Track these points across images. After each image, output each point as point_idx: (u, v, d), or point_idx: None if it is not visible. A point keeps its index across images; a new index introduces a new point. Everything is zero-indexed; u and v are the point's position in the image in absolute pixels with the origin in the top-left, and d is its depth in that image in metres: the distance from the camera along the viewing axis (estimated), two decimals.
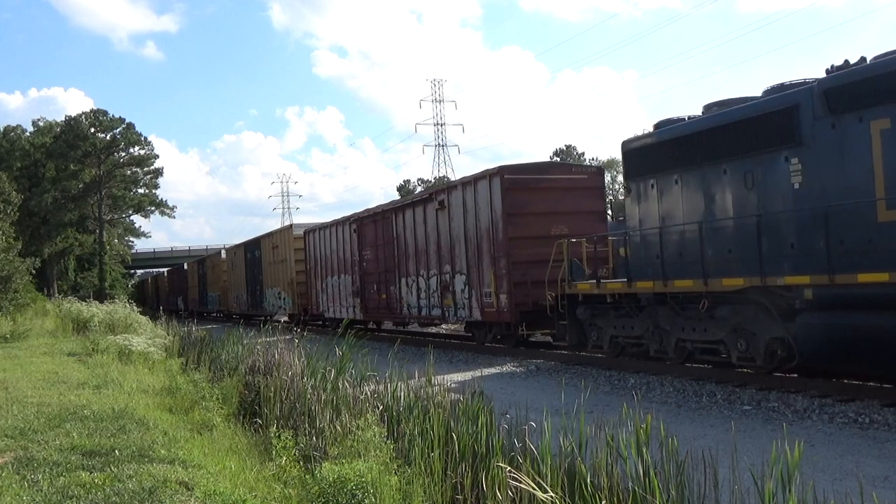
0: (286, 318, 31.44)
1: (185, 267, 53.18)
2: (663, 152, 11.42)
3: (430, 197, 18.14)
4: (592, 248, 13.86)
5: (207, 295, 44.70)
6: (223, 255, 41.28)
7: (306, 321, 26.02)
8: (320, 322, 26.92)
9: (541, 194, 15.31)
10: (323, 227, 25.40)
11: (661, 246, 11.14)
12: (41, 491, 4.98)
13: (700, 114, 11.20)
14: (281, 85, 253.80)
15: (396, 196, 72.97)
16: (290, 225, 28.73)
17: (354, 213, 22.75)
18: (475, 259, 15.98)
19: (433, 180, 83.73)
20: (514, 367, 13.91)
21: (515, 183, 15.19)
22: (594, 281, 12.57)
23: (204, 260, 47.75)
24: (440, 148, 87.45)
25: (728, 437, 7.04)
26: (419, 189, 79.63)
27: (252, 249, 34.15)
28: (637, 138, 12.52)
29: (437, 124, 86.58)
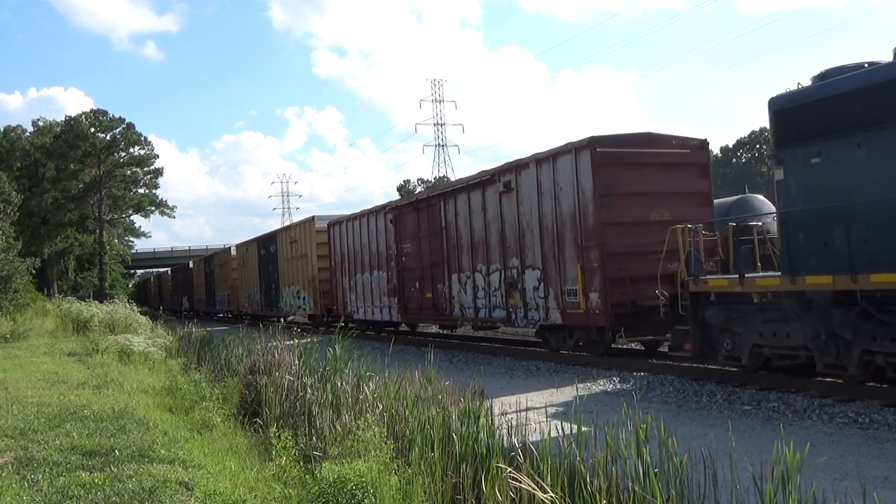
0: (300, 319, 29.81)
1: (191, 265, 51.06)
2: (838, 109, 8.87)
3: (493, 178, 15.07)
4: (709, 237, 11.61)
5: (215, 294, 42.19)
6: (233, 251, 38.40)
7: (329, 322, 24.41)
8: (345, 323, 24.42)
9: (638, 171, 12.73)
10: (351, 219, 22.37)
11: (846, 230, 8.46)
12: (41, 491, 4.99)
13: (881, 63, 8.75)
14: (280, 85, 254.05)
15: (396, 196, 72.96)
16: (312, 217, 25.59)
17: (390, 202, 20.08)
18: (553, 251, 13.37)
19: (433, 180, 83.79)
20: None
21: (609, 157, 12.51)
22: (734, 276, 10.12)
23: (211, 257, 45.01)
24: (440, 148, 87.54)
25: (728, 437, 7.04)
26: (419, 189, 79.53)
27: (266, 245, 31.56)
28: (792, 95, 9.51)
29: (437, 124, 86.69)
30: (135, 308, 25.05)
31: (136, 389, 9.76)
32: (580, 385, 10.80)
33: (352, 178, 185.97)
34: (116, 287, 68.15)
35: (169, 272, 61.83)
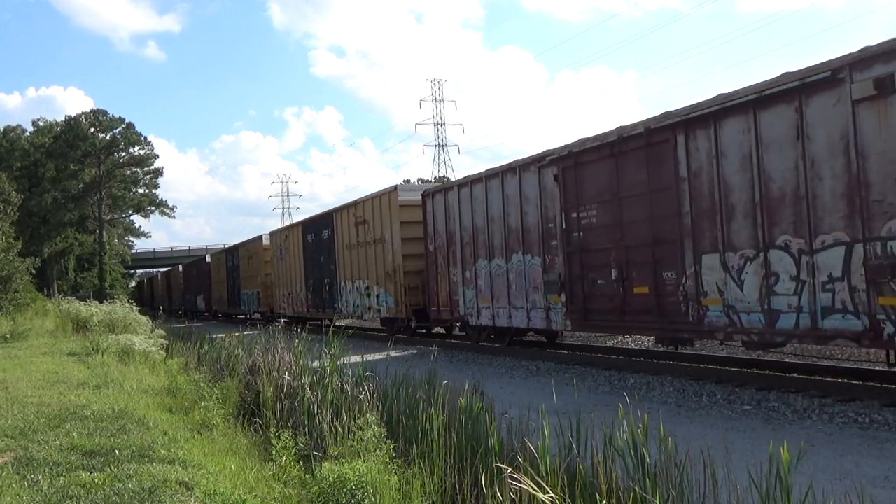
0: (367, 324, 24.83)
1: (208, 259, 44.00)
2: None
3: (834, 73, 7.94)
4: None
5: (240, 293, 35.12)
6: (265, 240, 31.60)
7: (417, 329, 19.17)
8: (446, 330, 19.85)
9: None
10: (468, 183, 15.50)
11: None
12: (41, 491, 4.99)
13: None
14: (279, 85, 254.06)
15: None
16: (395, 187, 19.10)
17: (549, 150, 12.89)
18: None
19: (433, 180, 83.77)
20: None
21: None
22: None
23: (236, 248, 36.84)
24: (440, 148, 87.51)
25: (728, 437, 7.05)
26: None
27: (316, 229, 24.94)
28: None
29: (437, 124, 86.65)
30: (135, 308, 25.01)
31: (136, 389, 9.76)
32: (580, 385, 10.80)
33: (351, 178, 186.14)
34: (116, 287, 68.19)
35: (180, 268, 54.86)
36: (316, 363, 8.74)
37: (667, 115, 10.23)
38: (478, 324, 15.37)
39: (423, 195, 17.54)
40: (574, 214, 12.19)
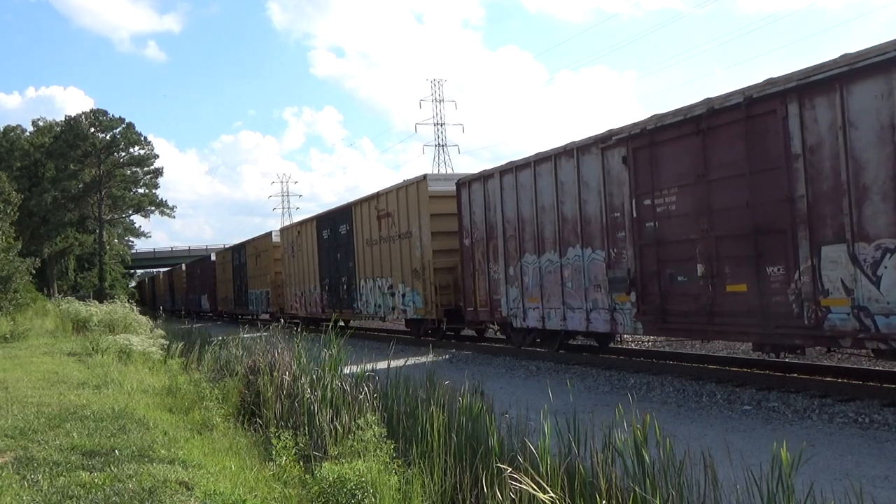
0: (390, 325, 24.15)
1: (213, 257, 42.78)
2: None
3: None
4: None
5: (248, 293, 33.70)
6: (275, 237, 30.14)
7: (446, 331, 17.80)
8: (477, 332, 18.26)
9: None
10: (512, 170, 13.80)
11: None
12: (41, 491, 4.99)
13: None
14: (279, 85, 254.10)
15: None
16: (424, 177, 17.48)
17: (614, 130, 11.26)
18: None
19: None
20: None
21: None
22: None
23: (243, 246, 35.24)
24: (440, 148, 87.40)
25: (729, 437, 7.05)
26: None
27: (333, 224, 23.33)
28: None
29: (437, 124, 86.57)
30: (135, 308, 25.00)
31: (136, 389, 9.76)
32: (580, 385, 10.81)
33: (351, 178, 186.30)
34: (116, 287, 68.17)
35: (183, 267, 53.55)
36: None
37: (771, 81, 8.71)
38: (523, 326, 13.70)
39: (457, 184, 15.78)
40: (647, 201, 10.55)
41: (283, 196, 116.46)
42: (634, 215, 10.80)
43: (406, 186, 18.14)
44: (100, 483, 5.04)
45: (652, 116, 10.51)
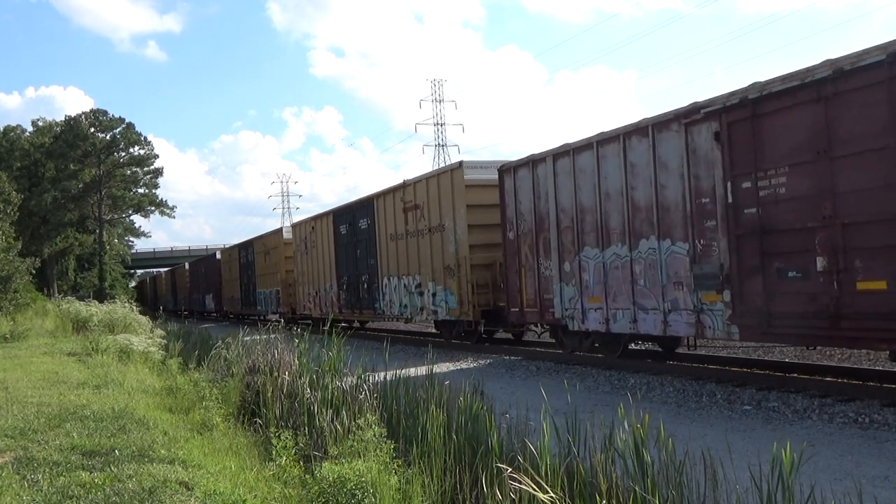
0: (416, 327, 22.92)
1: (218, 255, 41.31)
2: None
3: None
4: None
5: (256, 292, 32.34)
6: (285, 233, 28.71)
7: (482, 334, 16.27)
8: (511, 336, 17.26)
9: None
10: (568, 152, 12.22)
11: None
12: (41, 491, 4.99)
13: None
14: (279, 85, 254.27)
15: None
16: (459, 164, 15.94)
17: (698, 102, 9.77)
18: None
19: None
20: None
21: None
22: None
23: (250, 243, 33.81)
24: (440, 148, 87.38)
25: (729, 437, 7.04)
26: None
27: (351, 218, 21.66)
28: None
29: (437, 124, 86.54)
30: (135, 308, 25.00)
31: (136, 389, 9.76)
32: (580, 385, 10.80)
33: (351, 178, 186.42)
34: (116, 287, 68.20)
35: (187, 266, 51.80)
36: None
37: None
38: (582, 328, 12.22)
39: (500, 171, 14.22)
40: (747, 184, 9.00)
41: (283, 196, 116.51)
42: (730, 200, 9.26)
43: (438, 175, 16.74)
44: (100, 483, 5.05)
45: (753, 84, 9.00)
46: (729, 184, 9.26)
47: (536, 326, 14.54)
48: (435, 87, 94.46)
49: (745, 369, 11.14)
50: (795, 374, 10.48)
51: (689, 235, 9.95)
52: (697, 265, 9.83)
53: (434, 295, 16.79)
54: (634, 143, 10.85)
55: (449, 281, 16.14)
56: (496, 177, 14.38)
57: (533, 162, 13.19)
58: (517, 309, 13.83)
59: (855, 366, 10.95)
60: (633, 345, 13.36)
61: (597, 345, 12.79)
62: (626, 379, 11.35)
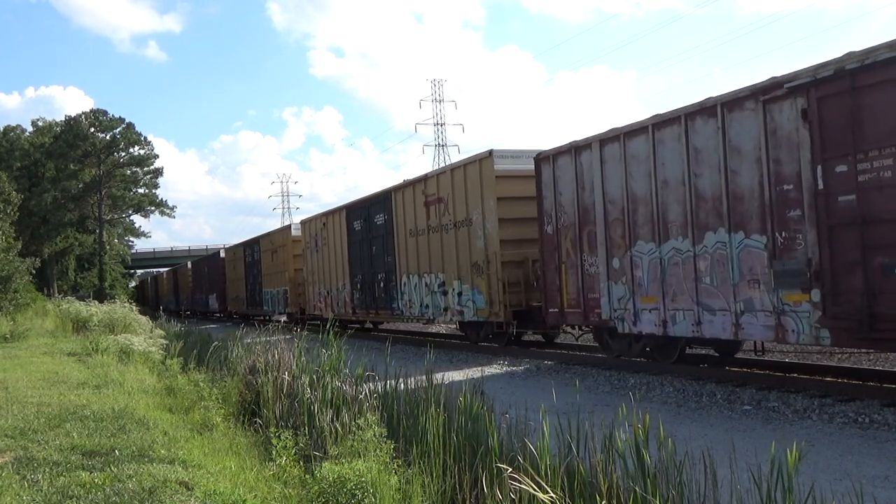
0: (440, 329, 21.89)
1: (222, 254, 40.25)
2: None
3: None
4: None
5: (262, 292, 31.38)
6: (294, 230, 27.53)
7: (511, 336, 15.33)
8: (542, 339, 16.27)
9: None
10: (618, 136, 11.16)
11: None
12: (41, 491, 4.99)
13: None
14: (279, 85, 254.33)
15: None
16: (489, 153, 14.74)
17: (776, 77, 8.72)
18: None
19: None
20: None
21: None
22: None
23: (256, 241, 32.75)
24: (440, 148, 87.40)
25: (729, 437, 7.05)
26: None
27: (366, 214, 20.51)
28: None
29: (437, 124, 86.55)
30: (135, 308, 25.00)
31: (136, 389, 9.76)
32: (580, 385, 10.79)
33: (351, 178, 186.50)
34: (116, 287, 68.24)
35: (189, 265, 50.69)
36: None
37: None
38: (634, 331, 11.09)
39: (537, 159, 13.02)
40: (842, 167, 7.93)
41: (283, 196, 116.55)
42: (820, 187, 8.15)
43: (464, 166, 15.63)
44: (100, 483, 5.04)
45: (848, 54, 7.92)
46: (819, 168, 8.15)
47: (576, 328, 13.58)
48: (435, 87, 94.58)
49: (745, 369, 11.14)
50: (795, 374, 10.48)
51: (767, 227, 8.83)
52: (778, 260, 8.70)
53: (460, 294, 15.74)
54: (699, 124, 9.75)
55: (477, 279, 15.08)
56: (529, 166, 13.37)
57: (576, 149, 12.03)
58: (556, 309, 12.70)
59: (855, 366, 10.95)
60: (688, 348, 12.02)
61: (648, 349, 11.75)
62: (626, 379, 11.35)
